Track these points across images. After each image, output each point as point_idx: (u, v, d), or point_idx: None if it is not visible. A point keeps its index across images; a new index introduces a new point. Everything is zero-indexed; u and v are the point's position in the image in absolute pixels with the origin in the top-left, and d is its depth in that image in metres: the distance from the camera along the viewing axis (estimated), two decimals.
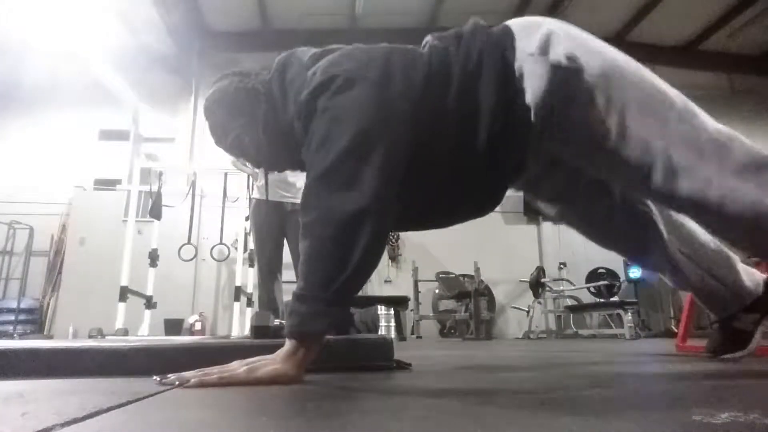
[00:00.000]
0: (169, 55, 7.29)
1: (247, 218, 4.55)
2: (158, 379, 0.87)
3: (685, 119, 1.00)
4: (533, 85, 1.02)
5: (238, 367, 0.89)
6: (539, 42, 1.03)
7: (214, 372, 0.87)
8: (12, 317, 6.33)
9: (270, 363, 0.89)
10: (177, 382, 0.83)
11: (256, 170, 3.28)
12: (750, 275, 1.40)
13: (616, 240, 1.40)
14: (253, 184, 3.53)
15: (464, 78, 1.04)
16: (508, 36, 1.06)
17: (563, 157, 1.15)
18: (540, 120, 1.02)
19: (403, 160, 1.01)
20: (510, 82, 1.03)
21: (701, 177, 0.97)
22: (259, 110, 1.16)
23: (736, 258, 1.39)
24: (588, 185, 1.28)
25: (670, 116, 1.00)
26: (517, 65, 1.03)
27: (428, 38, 1.14)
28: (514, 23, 1.10)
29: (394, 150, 0.99)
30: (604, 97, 1.00)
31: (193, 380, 0.82)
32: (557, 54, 1.01)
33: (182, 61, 7.37)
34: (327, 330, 0.93)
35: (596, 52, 1.04)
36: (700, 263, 1.36)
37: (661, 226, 1.34)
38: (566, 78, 1.01)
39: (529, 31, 1.06)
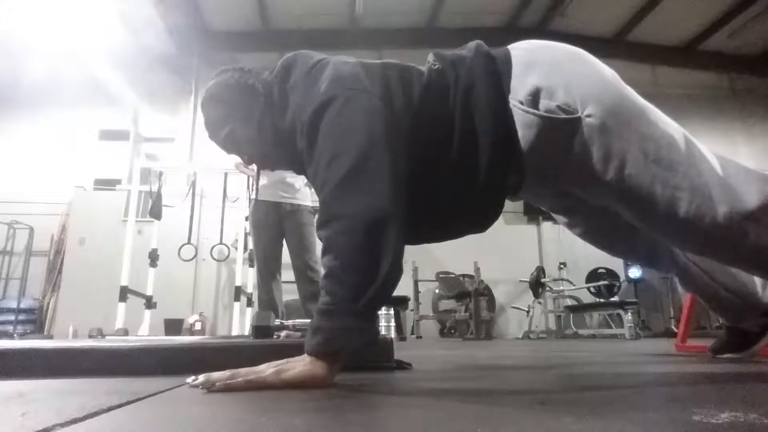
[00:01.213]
0: (169, 55, 7.30)
1: (247, 218, 4.56)
2: (191, 379, 0.84)
3: (692, 164, 0.99)
4: (522, 134, 1.01)
5: (265, 368, 0.85)
6: (531, 89, 1.01)
7: (241, 374, 0.84)
8: (12, 317, 6.33)
9: (298, 365, 0.85)
10: (202, 387, 0.79)
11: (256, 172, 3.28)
12: (763, 281, 1.38)
13: (624, 249, 1.41)
14: (253, 185, 3.54)
15: (460, 104, 1.04)
16: (507, 67, 1.05)
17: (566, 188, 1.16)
18: (533, 164, 1.03)
19: (406, 169, 1.00)
20: (504, 116, 1.03)
21: (712, 223, 0.97)
22: (256, 109, 1.15)
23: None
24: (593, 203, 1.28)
25: (675, 162, 0.99)
26: (509, 104, 1.03)
27: (430, 57, 1.13)
28: (518, 51, 1.08)
29: (400, 159, 0.98)
30: (603, 151, 0.98)
31: (219, 385, 0.79)
32: (549, 105, 1.00)
33: (182, 61, 7.38)
34: (357, 346, 0.88)
35: (595, 101, 1.00)
36: (713, 276, 1.37)
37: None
38: (559, 129, 1.00)
39: (527, 70, 1.04)
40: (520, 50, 1.09)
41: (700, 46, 8.29)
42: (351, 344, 0.87)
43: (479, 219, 1.14)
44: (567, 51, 1.09)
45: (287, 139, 1.11)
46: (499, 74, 1.05)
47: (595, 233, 1.37)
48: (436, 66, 1.10)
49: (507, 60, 1.06)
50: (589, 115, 0.98)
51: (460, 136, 1.03)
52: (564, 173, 1.06)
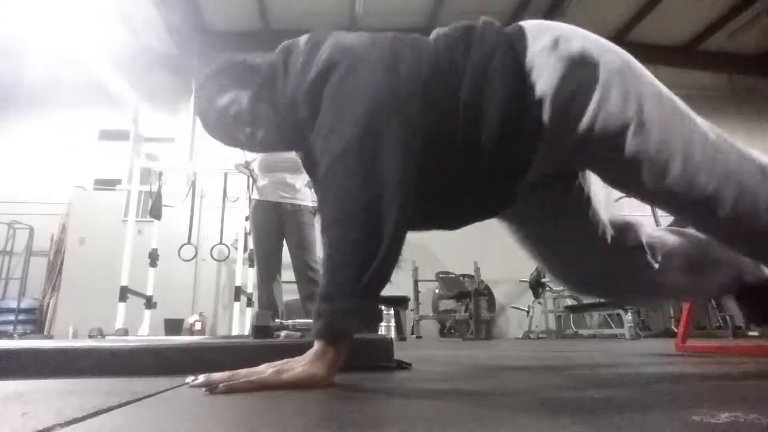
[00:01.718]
0: (169, 55, 7.30)
1: (247, 218, 4.56)
2: (191, 380, 0.84)
3: (696, 123, 1.01)
4: (546, 77, 0.98)
5: (265, 369, 0.85)
6: (552, 37, 1.01)
7: (241, 375, 0.83)
8: (12, 317, 6.33)
9: (299, 365, 0.85)
10: (205, 389, 0.78)
11: (256, 172, 3.29)
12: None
13: (595, 281, 1.33)
14: (253, 185, 3.54)
15: (472, 71, 1.00)
16: (521, 33, 1.04)
17: (574, 163, 1.11)
18: (553, 114, 0.98)
19: (418, 143, 0.95)
20: (520, 77, 0.99)
21: (721, 173, 0.96)
22: (257, 82, 1.10)
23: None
24: (573, 211, 1.22)
25: (684, 112, 1.01)
26: (527, 60, 1.00)
27: (436, 30, 1.11)
28: (527, 23, 1.08)
29: (408, 129, 0.94)
30: (621, 90, 0.98)
31: (221, 386, 0.78)
32: (570, 48, 0.99)
33: (182, 61, 7.38)
34: (359, 327, 0.88)
35: (611, 51, 1.02)
36: (696, 255, 1.30)
37: (648, 258, 1.25)
38: (580, 69, 0.98)
39: (542, 31, 1.04)
40: (530, 23, 1.09)
41: (700, 46, 8.30)
42: (354, 326, 0.87)
43: (492, 201, 1.11)
44: (571, 26, 1.10)
45: (288, 110, 1.07)
46: (511, 37, 1.04)
47: (552, 254, 1.32)
48: (444, 33, 1.08)
49: (520, 28, 1.06)
50: (607, 61, 1.00)
51: (472, 100, 0.99)
52: (581, 123, 0.99)
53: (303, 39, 1.10)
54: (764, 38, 8.00)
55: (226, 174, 5.32)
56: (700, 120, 1.03)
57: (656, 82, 1.04)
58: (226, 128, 1.18)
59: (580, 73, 0.98)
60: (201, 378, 0.83)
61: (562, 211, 1.23)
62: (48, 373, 1.04)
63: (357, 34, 1.06)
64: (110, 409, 0.62)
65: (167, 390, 0.81)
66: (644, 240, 1.26)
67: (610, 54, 1.01)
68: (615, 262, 1.27)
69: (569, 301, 7.03)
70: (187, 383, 0.85)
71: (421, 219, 1.11)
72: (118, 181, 6.41)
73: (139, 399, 0.71)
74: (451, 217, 1.16)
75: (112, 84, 6.60)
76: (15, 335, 6.04)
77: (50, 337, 6.00)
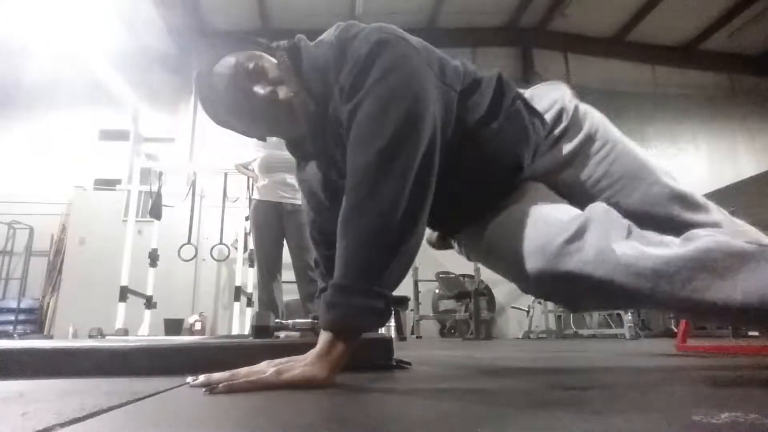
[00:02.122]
0: (169, 55, 7.31)
1: (247, 218, 4.56)
2: (192, 379, 0.84)
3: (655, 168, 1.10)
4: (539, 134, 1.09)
5: (265, 368, 0.84)
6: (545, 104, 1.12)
7: (241, 375, 0.83)
8: (12, 317, 6.34)
9: (300, 364, 0.84)
10: (205, 389, 0.78)
11: (257, 173, 3.29)
12: None
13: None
14: (253, 185, 3.54)
15: (496, 106, 1.05)
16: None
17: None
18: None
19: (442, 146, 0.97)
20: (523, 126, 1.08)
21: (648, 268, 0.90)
22: (278, 54, 1.05)
23: None
24: None
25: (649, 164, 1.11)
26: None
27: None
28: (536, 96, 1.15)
29: (441, 134, 0.95)
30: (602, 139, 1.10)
31: (221, 386, 0.77)
32: (563, 110, 1.11)
33: (182, 61, 7.38)
34: (375, 326, 0.86)
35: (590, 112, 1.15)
36: None
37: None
38: (572, 115, 1.11)
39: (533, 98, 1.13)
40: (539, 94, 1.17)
41: (700, 46, 8.30)
42: (367, 324, 0.86)
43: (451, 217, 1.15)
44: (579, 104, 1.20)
45: (313, 81, 1.03)
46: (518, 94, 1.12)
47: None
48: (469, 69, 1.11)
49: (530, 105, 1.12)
50: (592, 132, 1.11)
51: (491, 128, 1.04)
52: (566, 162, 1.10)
53: (331, 30, 1.06)
54: (764, 38, 8.00)
55: (226, 174, 5.32)
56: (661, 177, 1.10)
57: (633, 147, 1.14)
58: (231, 121, 1.12)
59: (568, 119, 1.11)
60: (201, 378, 0.83)
61: None
62: (48, 373, 1.04)
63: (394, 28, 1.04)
64: (110, 409, 0.62)
65: (167, 390, 0.81)
66: None
67: (590, 117, 1.14)
68: None
69: None
70: (188, 383, 0.85)
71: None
72: (118, 181, 6.41)
73: (139, 399, 0.71)
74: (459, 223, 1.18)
75: (112, 84, 6.60)
76: (15, 335, 6.04)
77: (50, 337, 6.01)
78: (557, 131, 1.11)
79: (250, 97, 1.05)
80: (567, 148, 1.10)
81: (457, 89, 1.03)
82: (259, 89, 1.04)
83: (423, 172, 0.89)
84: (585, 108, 1.16)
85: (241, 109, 1.08)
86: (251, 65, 1.05)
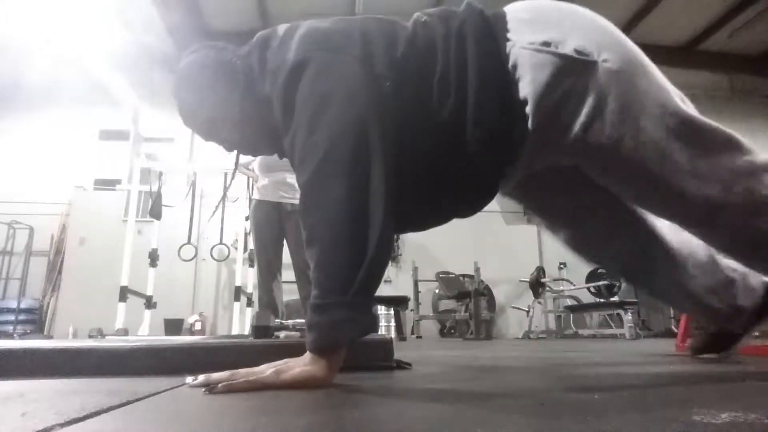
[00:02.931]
0: (169, 55, 7.29)
1: (247, 218, 4.56)
2: (191, 380, 0.84)
3: (705, 121, 0.95)
4: (529, 79, 0.91)
5: (265, 369, 0.84)
6: (543, 37, 0.92)
7: (241, 375, 0.83)
8: (12, 317, 6.33)
9: (298, 365, 0.84)
10: (204, 389, 0.78)
11: (257, 173, 3.29)
12: (747, 288, 1.31)
13: (611, 259, 1.30)
14: (253, 185, 3.54)
15: (448, 60, 0.94)
16: (502, 23, 0.96)
17: (563, 162, 1.04)
18: (537, 118, 0.91)
19: (395, 138, 0.92)
20: (499, 69, 0.92)
21: (718, 179, 0.91)
22: (237, 88, 1.05)
23: (737, 271, 1.30)
24: (587, 194, 1.18)
25: (691, 118, 0.94)
26: (511, 52, 0.93)
27: (416, 15, 1.04)
28: (514, 9, 0.99)
29: (387, 125, 0.90)
30: (619, 100, 0.90)
31: (221, 386, 0.78)
32: (564, 50, 0.91)
33: None
34: (355, 337, 0.86)
35: (613, 47, 0.92)
36: (704, 281, 1.27)
37: (667, 242, 1.24)
38: (571, 74, 0.90)
39: (535, 23, 0.95)
40: (518, 7, 1.00)
41: (700, 46, 8.29)
42: (346, 336, 0.85)
43: (472, 194, 1.04)
44: (570, 5, 1.00)
45: (268, 113, 1.02)
46: (493, 25, 0.96)
47: (580, 237, 1.27)
48: (423, 19, 1.01)
49: (502, 17, 0.98)
50: (605, 60, 0.90)
51: (449, 90, 0.93)
52: (572, 133, 0.93)
53: (280, 29, 1.05)
54: (764, 38, 7.99)
55: (226, 174, 5.32)
56: (704, 125, 0.95)
57: (661, 83, 0.96)
58: (209, 133, 1.15)
59: (571, 79, 0.90)
60: (201, 378, 0.83)
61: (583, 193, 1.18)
62: (48, 373, 1.04)
63: (330, 22, 1.00)
64: (110, 409, 0.62)
65: (167, 390, 0.81)
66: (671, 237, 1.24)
67: (610, 51, 0.92)
68: (641, 247, 1.24)
69: (569, 301, 7.04)
70: (187, 383, 0.85)
71: (400, 217, 1.05)
72: (118, 181, 6.39)
73: (139, 399, 0.71)
74: (431, 214, 1.11)
75: (112, 84, 6.59)
76: (15, 335, 6.04)
77: (50, 337, 6.01)
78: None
79: (218, 141, 1.15)
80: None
81: (389, 80, 0.94)
82: (223, 139, 1.14)
83: (384, 180, 0.86)
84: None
85: (215, 141, 1.16)
86: (211, 115, 1.10)
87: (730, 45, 8.18)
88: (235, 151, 1.20)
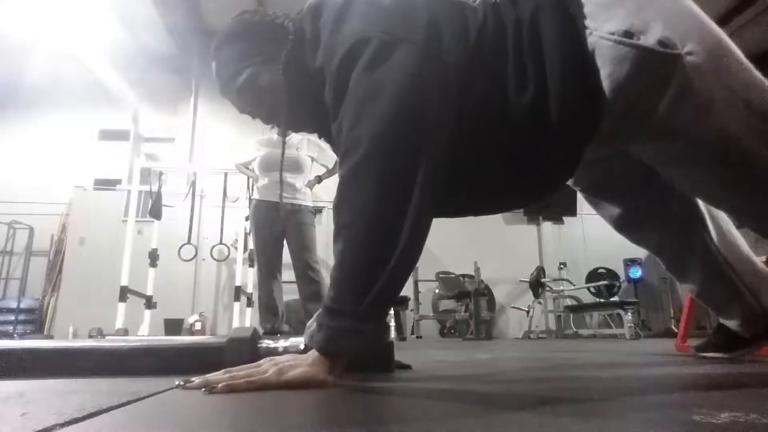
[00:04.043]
0: (169, 55, 7.29)
1: (247, 218, 4.56)
2: (182, 383, 0.82)
3: None
4: (610, 70, 0.86)
5: (267, 368, 0.83)
6: (625, 25, 0.86)
7: (242, 374, 0.82)
8: (12, 317, 6.33)
9: (301, 365, 0.83)
10: (203, 389, 0.77)
11: (257, 173, 3.29)
12: None
13: (654, 241, 1.31)
14: (253, 185, 3.54)
15: (521, 44, 0.88)
16: (578, 5, 0.90)
17: (634, 153, 1.02)
18: (614, 107, 0.87)
19: (452, 140, 0.86)
20: (580, 57, 0.87)
21: None
22: (284, 49, 0.97)
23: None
24: (640, 178, 1.18)
25: None
26: (590, 40, 0.87)
27: None
28: None
29: (441, 131, 0.85)
30: (701, 94, 0.86)
31: (221, 386, 0.76)
32: (646, 42, 0.85)
33: (182, 61, 7.37)
34: (358, 350, 0.85)
35: (697, 36, 0.88)
36: (740, 275, 1.28)
37: (711, 232, 1.24)
38: (653, 67, 0.85)
39: (609, 7, 0.88)
40: None
41: None
42: (352, 346, 0.85)
43: (546, 182, 0.99)
44: None
45: (315, 88, 0.96)
46: (568, 7, 0.89)
47: (629, 219, 1.27)
48: (493, 1, 0.94)
49: (578, 2, 0.91)
50: (689, 53, 0.85)
51: (525, 78, 0.87)
52: (649, 123, 0.89)
53: None
54: (764, 38, 7.99)
55: (226, 174, 5.32)
56: None
57: (751, 75, 0.92)
58: (248, 105, 1.09)
59: (654, 70, 0.85)
60: (197, 381, 0.81)
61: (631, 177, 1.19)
62: (48, 373, 1.04)
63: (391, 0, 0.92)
64: (110, 409, 0.62)
65: (167, 390, 0.81)
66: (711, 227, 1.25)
67: (695, 41, 0.87)
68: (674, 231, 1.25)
69: (569, 301, 7.04)
70: (179, 384, 0.83)
71: (461, 204, 1.02)
72: (118, 181, 6.40)
73: (139, 399, 0.71)
74: (494, 200, 1.06)
75: (112, 84, 6.59)
76: (15, 335, 6.04)
77: (50, 337, 6.00)
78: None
79: (257, 114, 1.09)
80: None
81: (455, 66, 0.88)
82: (262, 111, 1.07)
83: (424, 190, 0.82)
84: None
85: (253, 113, 1.09)
86: (254, 86, 1.03)
87: None
88: (260, 138, 1.16)
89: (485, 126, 0.91)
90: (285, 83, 0.99)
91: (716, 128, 0.88)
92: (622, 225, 1.30)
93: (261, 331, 3.18)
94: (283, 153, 1.24)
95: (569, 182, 1.22)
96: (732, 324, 1.43)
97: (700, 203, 1.25)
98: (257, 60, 1.02)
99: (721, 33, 0.92)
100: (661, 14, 0.88)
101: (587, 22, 0.88)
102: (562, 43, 0.87)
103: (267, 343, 1.09)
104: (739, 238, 1.28)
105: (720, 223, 1.27)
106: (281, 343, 1.08)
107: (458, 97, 0.88)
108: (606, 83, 0.87)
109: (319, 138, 1.14)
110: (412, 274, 4.91)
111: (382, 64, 0.84)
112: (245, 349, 1.04)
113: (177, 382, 0.84)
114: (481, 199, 1.05)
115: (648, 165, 1.08)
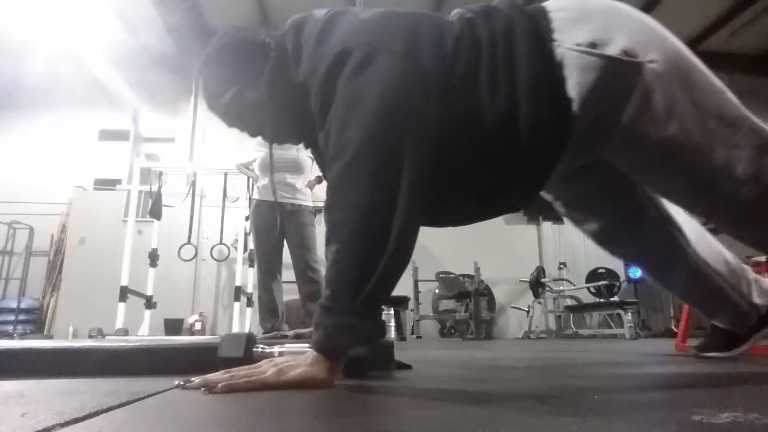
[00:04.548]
0: (169, 55, 7.29)
1: (247, 218, 4.56)
2: (182, 383, 0.82)
3: (752, 121, 0.95)
4: (577, 80, 0.91)
5: (266, 368, 0.84)
6: (590, 36, 0.92)
7: (242, 374, 0.82)
8: (12, 317, 6.33)
9: (300, 365, 0.84)
10: (203, 389, 0.77)
11: (257, 173, 3.29)
12: (761, 290, 1.36)
13: (635, 252, 1.34)
14: (253, 185, 3.54)
15: (495, 55, 0.93)
16: (546, 20, 0.95)
17: (607, 160, 1.04)
18: (583, 117, 0.92)
19: (434, 144, 0.90)
20: (550, 68, 0.92)
21: (759, 181, 0.93)
22: (267, 67, 1.01)
23: (751, 274, 1.37)
24: (617, 191, 1.21)
25: (737, 118, 0.94)
26: (557, 52, 0.92)
27: (457, 10, 1.02)
28: (555, 7, 0.97)
29: (425, 133, 0.88)
30: (665, 100, 0.91)
31: (220, 386, 0.77)
32: (610, 51, 0.91)
33: (182, 61, 7.37)
34: (358, 344, 0.86)
35: (660, 46, 0.93)
36: (721, 275, 1.31)
37: (687, 236, 1.27)
38: (618, 75, 0.91)
39: (581, 22, 0.94)
40: (561, 4, 0.98)
41: (700, 46, 8.29)
42: (350, 343, 0.86)
43: (519, 192, 1.03)
44: (612, 1, 1.00)
45: (299, 101, 0.99)
46: (538, 22, 0.95)
47: (609, 231, 1.29)
48: (467, 16, 0.99)
49: (545, 12, 0.97)
50: (651, 61, 0.91)
51: (499, 88, 0.92)
52: (617, 130, 0.94)
53: (317, 15, 1.01)
54: (764, 38, 7.99)
55: (226, 174, 5.32)
56: (753, 127, 0.95)
57: (710, 82, 0.96)
58: (235, 120, 1.11)
59: (617, 81, 0.91)
60: (197, 381, 0.82)
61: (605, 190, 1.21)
62: (48, 373, 1.04)
63: (373, 13, 0.97)
64: (110, 409, 0.62)
65: (167, 390, 0.81)
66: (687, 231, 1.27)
67: (657, 51, 0.92)
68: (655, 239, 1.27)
69: (569, 301, 7.04)
70: (179, 384, 0.83)
71: (437, 214, 1.05)
72: (118, 181, 6.40)
73: (139, 399, 0.71)
74: (470, 211, 1.10)
75: (112, 84, 6.59)
76: (15, 335, 6.04)
77: (50, 337, 6.00)
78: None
79: (244, 129, 1.12)
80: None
81: (435, 78, 0.92)
82: (249, 126, 1.11)
83: (411, 189, 0.85)
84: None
85: (240, 129, 1.12)
86: (239, 103, 1.06)
87: (730, 45, 8.18)
88: (260, 139, 1.16)
89: (463, 132, 0.94)
90: (269, 99, 1.03)
91: (680, 133, 0.92)
92: (602, 239, 1.32)
93: (262, 331, 3.18)
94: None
95: (549, 198, 1.29)
96: (725, 324, 1.44)
97: (674, 208, 1.27)
98: (242, 78, 1.06)
99: (681, 44, 0.97)
100: (625, 28, 0.94)
101: (555, 35, 0.93)
102: (531, 54, 0.92)
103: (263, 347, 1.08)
104: (710, 236, 1.31)
105: (694, 225, 1.30)
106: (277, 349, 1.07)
107: (438, 104, 0.92)
108: (575, 91, 0.92)
109: (306, 149, 1.17)
110: (412, 274, 4.92)
111: (366, 72, 0.88)
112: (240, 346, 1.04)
113: (177, 382, 0.84)
114: (457, 206, 1.06)
115: (623, 176, 1.12)
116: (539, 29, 0.94)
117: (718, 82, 0.97)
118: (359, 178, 0.85)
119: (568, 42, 0.92)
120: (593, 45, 0.91)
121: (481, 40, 0.95)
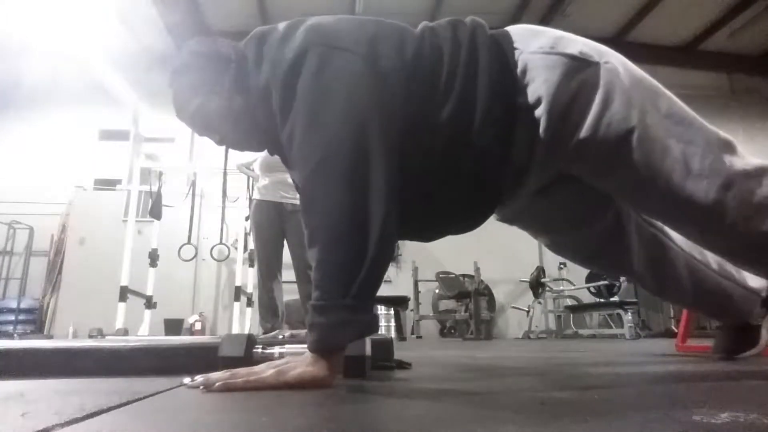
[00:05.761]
0: (169, 55, 7.29)
1: (247, 218, 4.56)
2: (189, 380, 0.84)
3: (699, 120, 1.01)
4: (544, 77, 0.94)
5: (265, 369, 0.84)
6: (550, 40, 0.98)
7: (241, 375, 0.83)
8: (12, 317, 6.33)
9: (299, 366, 0.84)
10: (202, 387, 0.79)
11: (257, 173, 3.29)
12: (751, 276, 1.35)
13: (623, 258, 1.31)
14: (253, 185, 3.54)
15: (457, 65, 0.95)
16: (507, 37, 1.01)
17: (574, 170, 1.06)
18: (550, 118, 0.94)
19: (398, 140, 0.91)
20: (509, 74, 0.95)
21: (716, 179, 0.95)
22: (228, 76, 1.04)
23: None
24: (589, 209, 1.22)
25: (686, 117, 1.00)
26: (520, 59, 0.96)
27: (423, 23, 1.06)
28: (513, 28, 1.05)
29: (390, 126, 0.89)
30: (624, 95, 0.95)
31: (218, 384, 0.78)
32: (570, 50, 0.97)
33: None
34: (354, 338, 0.87)
35: (610, 54, 1.00)
36: (717, 270, 1.32)
37: (671, 236, 1.28)
38: (581, 71, 0.95)
39: (537, 34, 1.01)
40: (518, 27, 1.05)
41: (700, 46, 8.29)
42: (346, 338, 0.86)
43: (474, 204, 1.04)
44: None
45: (263, 104, 1.00)
46: (500, 35, 1.01)
47: (595, 249, 1.30)
48: (431, 25, 1.03)
49: (506, 33, 1.02)
50: (607, 62, 0.97)
51: (453, 93, 0.94)
52: (581, 128, 0.95)
53: (281, 25, 1.04)
54: (764, 38, 7.99)
55: (225, 174, 5.31)
56: (702, 125, 1.01)
57: (657, 85, 1.02)
58: (202, 130, 1.14)
59: (581, 74, 0.95)
60: (199, 378, 0.83)
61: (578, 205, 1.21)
62: (48, 373, 1.04)
63: (336, 18, 1.00)
64: (110, 409, 0.62)
65: (167, 390, 0.81)
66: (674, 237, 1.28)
67: (609, 56, 1.00)
68: (640, 248, 1.27)
69: (569, 301, 7.04)
70: (184, 384, 0.85)
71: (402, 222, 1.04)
72: (118, 181, 6.38)
73: (139, 399, 0.71)
74: (431, 226, 1.11)
75: (112, 84, 6.58)
76: (15, 335, 6.04)
77: (50, 337, 6.00)
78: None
79: (212, 137, 1.14)
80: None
81: (394, 81, 0.94)
82: (215, 134, 1.13)
83: (386, 181, 0.86)
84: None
85: (210, 137, 1.15)
86: (204, 112, 1.09)
87: (730, 45, 8.18)
88: (226, 147, 1.20)
89: (419, 137, 0.95)
90: (231, 112, 1.06)
91: (641, 127, 0.95)
92: (589, 258, 1.35)
93: (262, 331, 3.18)
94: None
95: (530, 233, 1.37)
96: (736, 320, 1.43)
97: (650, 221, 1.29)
98: (204, 90, 1.08)
99: (624, 59, 1.03)
100: (576, 41, 1.01)
101: (516, 45, 0.99)
102: (492, 63, 0.96)
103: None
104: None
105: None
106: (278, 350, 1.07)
107: (400, 105, 0.93)
108: (542, 90, 0.95)
109: (271, 155, 1.18)
110: (412, 274, 4.93)
111: (327, 71, 0.90)
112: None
113: (185, 380, 0.85)
114: (421, 217, 1.05)
115: (598, 192, 1.12)
116: (500, 40, 1.00)
117: (659, 84, 1.03)
118: (332, 176, 0.86)
119: (530, 48, 0.98)
120: (554, 47, 0.97)
121: (443, 47, 0.98)
